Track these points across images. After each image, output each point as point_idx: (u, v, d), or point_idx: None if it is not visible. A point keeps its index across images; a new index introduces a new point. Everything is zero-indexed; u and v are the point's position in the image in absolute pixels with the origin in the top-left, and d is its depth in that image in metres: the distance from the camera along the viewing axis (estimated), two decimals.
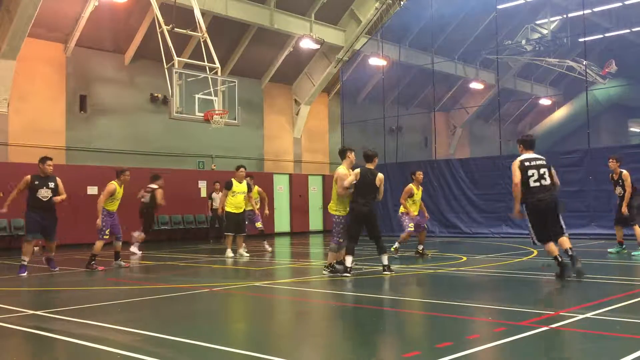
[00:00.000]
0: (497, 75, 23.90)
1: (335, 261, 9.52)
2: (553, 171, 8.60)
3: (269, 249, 14.79)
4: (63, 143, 18.28)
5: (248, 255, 13.19)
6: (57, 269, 10.65)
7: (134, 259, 13.30)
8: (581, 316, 5.76)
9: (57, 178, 10.41)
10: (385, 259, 9.38)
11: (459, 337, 5.14)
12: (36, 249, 11.07)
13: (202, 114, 14.90)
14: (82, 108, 18.82)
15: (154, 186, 14.42)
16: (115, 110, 19.49)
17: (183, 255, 14.02)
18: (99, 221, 10.78)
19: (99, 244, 10.94)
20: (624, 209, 11.64)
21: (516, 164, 8.45)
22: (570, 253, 8.16)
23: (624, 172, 11.82)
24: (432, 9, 22.03)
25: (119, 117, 19.55)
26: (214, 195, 18.08)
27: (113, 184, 11.00)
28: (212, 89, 15.20)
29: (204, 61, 15.51)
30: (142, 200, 14.54)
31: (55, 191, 10.26)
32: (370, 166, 9.53)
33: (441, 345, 4.78)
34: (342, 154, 9.80)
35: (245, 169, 13.36)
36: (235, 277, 10.35)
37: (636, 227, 11.60)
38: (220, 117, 15.04)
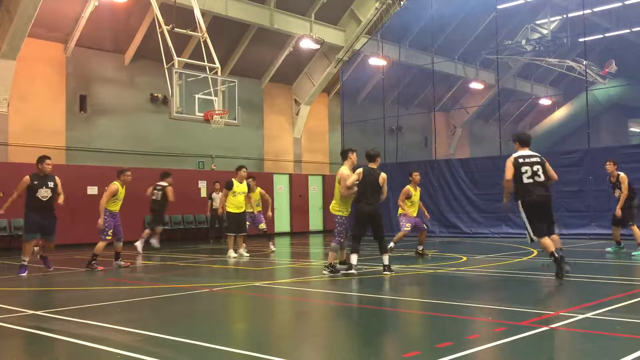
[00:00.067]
0: (497, 75, 23.90)
1: (337, 261, 9.54)
2: (548, 167, 8.68)
3: (274, 249, 14.77)
4: (63, 143, 18.27)
5: (248, 255, 13.19)
6: (51, 268, 10.63)
7: (139, 250, 14.05)
8: (581, 316, 5.76)
9: (56, 177, 10.39)
10: (386, 259, 9.39)
11: (459, 337, 5.14)
12: (36, 249, 11.04)
13: (202, 114, 14.90)
14: (82, 108, 18.82)
15: (164, 184, 14.48)
16: (115, 110, 19.49)
17: (183, 255, 14.02)
18: (100, 221, 10.77)
19: (101, 244, 10.93)
20: (618, 212, 11.79)
21: (510, 160, 8.61)
22: (559, 254, 8.25)
23: (621, 174, 11.92)
24: (432, 9, 22.02)
25: (119, 117, 19.55)
26: (214, 195, 18.08)
27: (115, 184, 10.99)
28: (212, 89, 15.20)
29: (204, 61, 15.50)
30: (153, 197, 14.58)
31: (55, 190, 10.25)
32: (373, 166, 9.55)
33: (441, 345, 4.78)
34: (344, 155, 9.84)
35: (247, 169, 13.38)
36: (235, 277, 10.35)
37: (634, 227, 11.64)
38: (220, 117, 15.04)
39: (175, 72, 14.46)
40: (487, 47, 26.96)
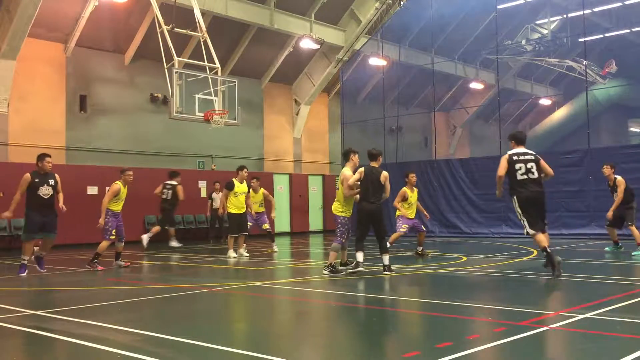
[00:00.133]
0: (497, 75, 23.89)
1: (338, 261, 9.54)
2: (543, 163, 8.93)
3: (277, 250, 14.76)
4: (63, 143, 18.27)
5: (248, 255, 13.19)
6: (44, 270, 10.48)
7: (144, 243, 14.65)
8: (581, 316, 5.76)
9: (56, 175, 10.39)
10: (386, 259, 9.39)
11: (459, 337, 5.14)
12: (36, 248, 11.03)
13: (202, 114, 14.90)
14: (82, 108, 18.82)
15: (174, 182, 14.49)
16: (115, 110, 19.48)
17: (183, 255, 14.02)
18: (101, 220, 10.77)
19: (104, 244, 10.93)
20: (609, 214, 11.99)
21: (505, 157, 9.00)
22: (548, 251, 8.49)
23: (618, 178, 12.01)
24: (432, 9, 22.02)
25: (119, 117, 19.55)
26: (214, 195, 18.08)
27: (117, 184, 10.98)
28: (212, 89, 15.20)
29: (204, 61, 15.51)
30: (163, 196, 14.58)
31: (55, 188, 10.25)
32: (375, 164, 9.57)
33: (441, 345, 4.78)
34: (346, 156, 9.86)
35: (247, 170, 13.38)
36: (235, 277, 10.35)
37: (633, 227, 11.70)
38: (220, 117, 15.05)
39: (175, 72, 14.46)
40: (487, 47, 26.96)
